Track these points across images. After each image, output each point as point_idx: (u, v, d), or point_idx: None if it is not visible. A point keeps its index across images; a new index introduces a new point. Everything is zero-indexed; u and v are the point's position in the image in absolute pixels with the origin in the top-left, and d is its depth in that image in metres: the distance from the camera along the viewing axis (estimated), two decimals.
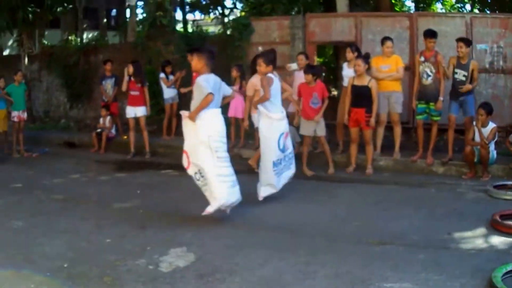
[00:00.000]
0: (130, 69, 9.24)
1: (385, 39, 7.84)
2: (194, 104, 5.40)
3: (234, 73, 8.86)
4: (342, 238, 4.89)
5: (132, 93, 9.32)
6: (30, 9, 13.16)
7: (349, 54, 7.92)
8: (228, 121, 8.95)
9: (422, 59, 7.41)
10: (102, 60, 11.25)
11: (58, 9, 14.52)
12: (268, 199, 6.19)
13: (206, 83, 5.34)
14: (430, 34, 7.33)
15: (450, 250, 4.48)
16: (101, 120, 10.43)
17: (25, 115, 10.02)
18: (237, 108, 8.88)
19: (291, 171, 6.43)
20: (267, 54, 6.70)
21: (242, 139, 9.09)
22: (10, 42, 16.30)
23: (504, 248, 4.50)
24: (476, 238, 4.82)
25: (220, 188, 5.27)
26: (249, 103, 7.50)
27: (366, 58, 7.51)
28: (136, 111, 9.37)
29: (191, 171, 5.43)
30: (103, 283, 3.92)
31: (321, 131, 7.55)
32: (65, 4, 14.95)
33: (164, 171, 8.38)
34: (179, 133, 9.95)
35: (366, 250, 4.56)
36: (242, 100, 8.68)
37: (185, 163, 5.47)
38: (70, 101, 13.13)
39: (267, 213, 5.83)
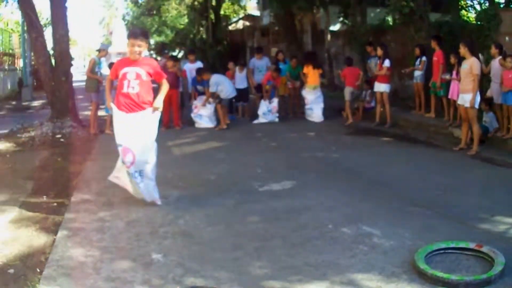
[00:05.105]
0: (379, 51, 10.99)
1: None
2: None
3: (452, 60, 9.58)
4: (405, 199, 5.82)
5: (379, 73, 11.07)
6: None
7: None
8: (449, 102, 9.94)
9: None
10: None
11: None
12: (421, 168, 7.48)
13: None
14: None
15: (467, 227, 4.89)
16: (363, 93, 12.44)
17: (297, 84, 12.82)
18: (454, 91, 9.60)
19: None
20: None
21: (458, 119, 9.75)
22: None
23: None
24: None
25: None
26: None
27: None
28: (379, 87, 11.09)
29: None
30: (217, 190, 6.33)
31: None
32: None
33: (382, 138, 9.97)
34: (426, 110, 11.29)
35: (401, 208, 5.49)
36: (458, 83, 9.43)
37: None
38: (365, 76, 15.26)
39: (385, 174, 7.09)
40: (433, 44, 10.49)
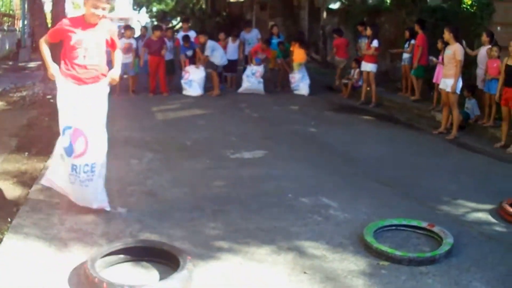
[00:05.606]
0: (368, 31, 11.09)
1: None
2: None
3: (440, 45, 9.71)
4: (373, 177, 5.99)
5: (367, 52, 11.20)
6: None
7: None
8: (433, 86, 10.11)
9: None
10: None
11: None
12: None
13: None
14: None
15: (426, 207, 5.02)
16: (351, 71, 12.57)
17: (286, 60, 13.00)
18: (438, 75, 9.75)
19: None
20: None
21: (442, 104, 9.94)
22: None
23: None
24: (475, 212, 5.00)
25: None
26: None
27: None
28: (366, 67, 11.24)
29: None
30: (189, 155, 6.61)
31: None
32: None
33: (365, 117, 10.11)
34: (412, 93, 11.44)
35: (366, 185, 5.68)
36: (443, 68, 9.58)
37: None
38: (355, 55, 15.24)
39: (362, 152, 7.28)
40: (416, 28, 10.70)
